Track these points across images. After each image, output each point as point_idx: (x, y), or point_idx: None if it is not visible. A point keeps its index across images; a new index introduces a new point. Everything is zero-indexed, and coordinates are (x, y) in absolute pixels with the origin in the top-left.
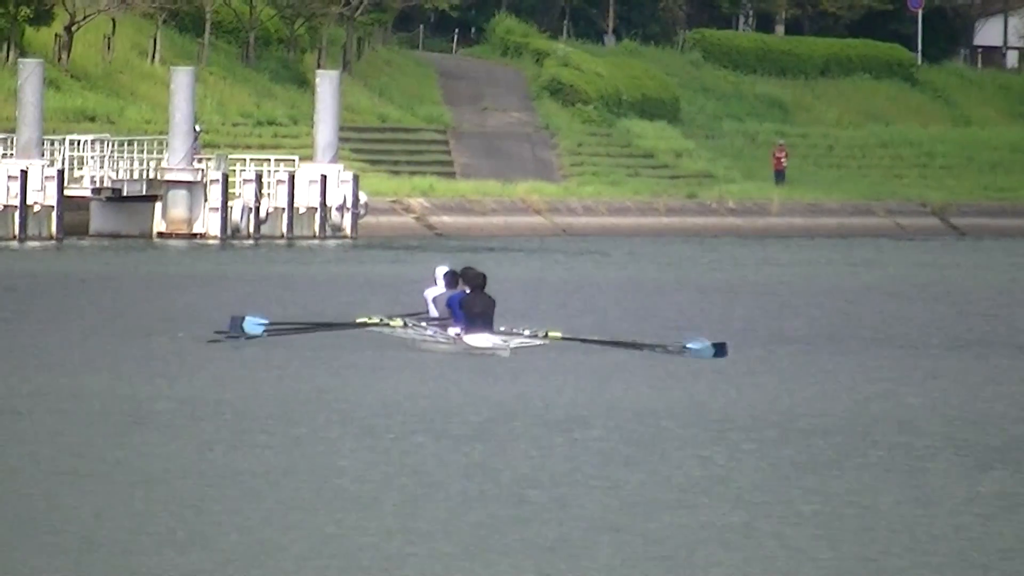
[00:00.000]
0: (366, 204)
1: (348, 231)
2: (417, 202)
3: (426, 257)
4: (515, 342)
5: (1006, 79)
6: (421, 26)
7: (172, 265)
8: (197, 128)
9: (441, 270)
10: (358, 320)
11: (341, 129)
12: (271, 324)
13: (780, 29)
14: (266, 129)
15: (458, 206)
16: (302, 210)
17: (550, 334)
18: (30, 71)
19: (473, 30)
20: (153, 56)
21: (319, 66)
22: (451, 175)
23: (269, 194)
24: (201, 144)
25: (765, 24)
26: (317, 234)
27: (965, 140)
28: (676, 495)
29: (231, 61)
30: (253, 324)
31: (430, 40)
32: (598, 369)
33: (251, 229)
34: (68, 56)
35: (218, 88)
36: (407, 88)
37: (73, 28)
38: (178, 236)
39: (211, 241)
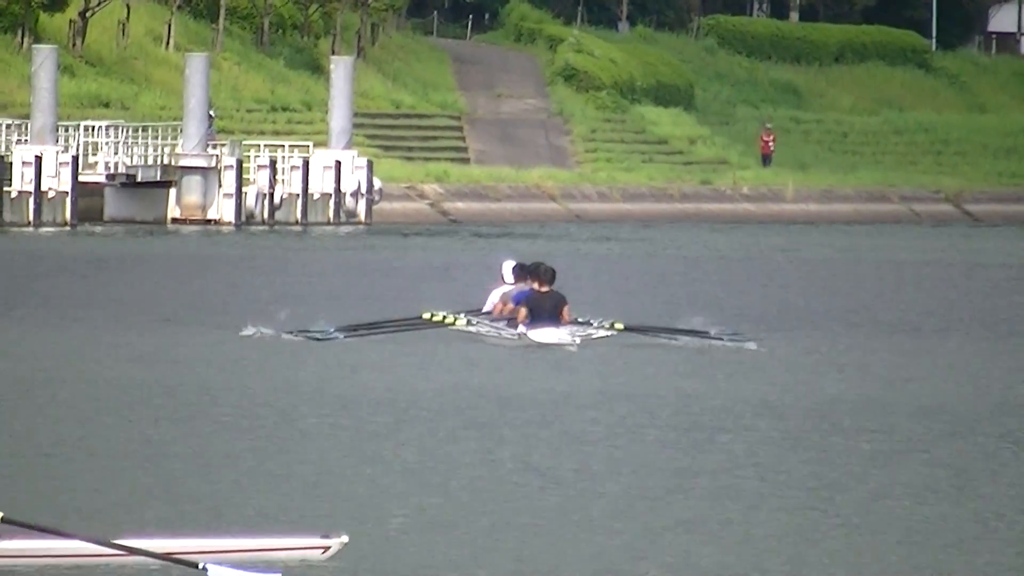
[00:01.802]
0: (380, 190)
1: (362, 217)
2: (431, 188)
3: (444, 243)
4: (581, 335)
5: (1021, 65)
6: (435, 12)
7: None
8: (211, 114)
9: (508, 265)
10: (423, 316)
11: (355, 115)
12: (347, 328)
13: (795, 15)
14: (280, 115)
15: (472, 192)
16: (316, 196)
17: (615, 325)
18: (44, 57)
19: (487, 16)
20: (167, 42)
21: (333, 52)
22: (465, 161)
23: (283, 180)
24: (215, 130)
25: (779, 10)
26: (331, 220)
27: (979, 126)
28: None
29: (245, 47)
30: (328, 330)
31: (444, 26)
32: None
33: (265, 215)
34: (82, 42)
35: (232, 74)
36: (421, 74)
37: (87, 14)
38: (192, 222)
39: (225, 227)
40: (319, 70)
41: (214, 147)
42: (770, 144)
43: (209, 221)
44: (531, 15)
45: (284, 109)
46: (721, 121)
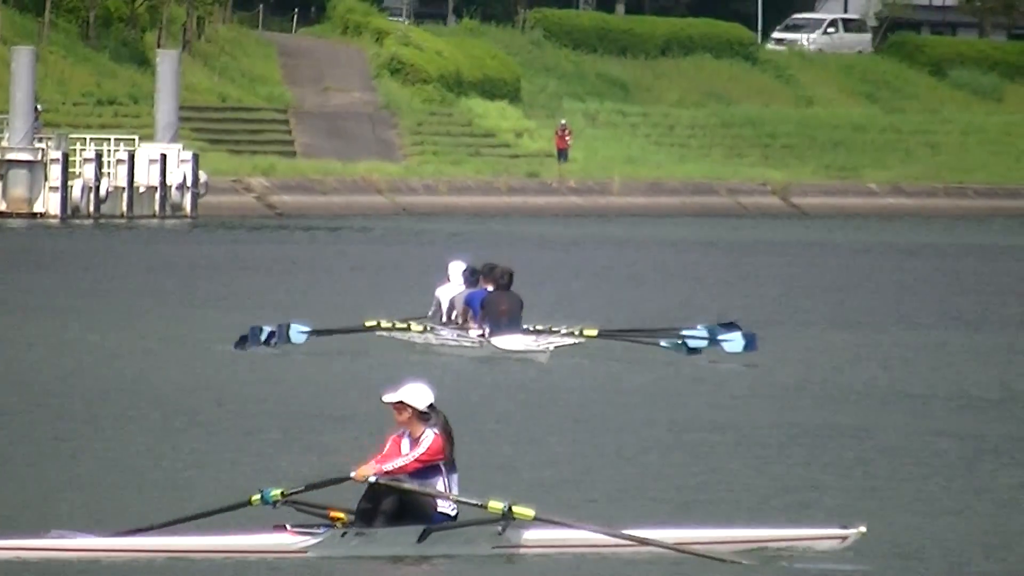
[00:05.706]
0: (206, 183)
1: (188, 211)
2: (257, 181)
3: (269, 236)
4: (549, 342)
5: (847, 58)
6: (261, 5)
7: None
8: (38, 107)
9: (457, 266)
10: (367, 324)
11: (181, 108)
12: (312, 331)
13: (621, 8)
14: (107, 108)
15: (299, 185)
16: (142, 189)
17: (585, 332)
18: None
19: (313, 9)
20: None
21: (159, 45)
22: (292, 155)
23: (109, 173)
24: (42, 123)
25: (606, 3)
26: (157, 213)
27: (806, 119)
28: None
29: (72, 40)
30: (297, 332)
31: (270, 19)
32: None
33: (91, 208)
34: None
35: (59, 67)
36: (248, 67)
37: None
38: (18, 215)
39: (51, 220)
40: (146, 63)
41: (40, 140)
42: (566, 139)
43: (35, 215)
44: (357, 8)
45: (110, 102)
46: (548, 114)
